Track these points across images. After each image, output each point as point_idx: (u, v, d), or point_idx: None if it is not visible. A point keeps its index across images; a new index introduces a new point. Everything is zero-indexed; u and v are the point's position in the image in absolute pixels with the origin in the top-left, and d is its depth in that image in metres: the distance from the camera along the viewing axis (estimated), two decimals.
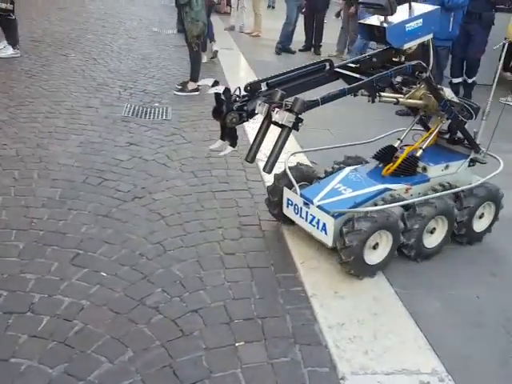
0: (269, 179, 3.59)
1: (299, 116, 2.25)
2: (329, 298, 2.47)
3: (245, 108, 2.33)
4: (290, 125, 2.24)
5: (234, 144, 2.46)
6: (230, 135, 2.42)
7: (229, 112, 2.28)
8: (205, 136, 4.40)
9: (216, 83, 2.31)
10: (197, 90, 5.65)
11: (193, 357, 2.05)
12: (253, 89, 2.39)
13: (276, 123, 2.29)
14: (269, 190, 3.01)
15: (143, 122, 4.62)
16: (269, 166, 2.33)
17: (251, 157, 2.42)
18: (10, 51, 6.14)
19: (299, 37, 8.98)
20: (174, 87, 5.69)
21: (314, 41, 9.05)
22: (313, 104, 2.33)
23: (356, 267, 2.54)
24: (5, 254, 2.55)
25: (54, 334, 2.10)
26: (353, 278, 2.61)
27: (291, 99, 2.32)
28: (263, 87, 2.44)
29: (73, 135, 4.10)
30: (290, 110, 2.24)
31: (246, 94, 2.37)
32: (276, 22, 9.08)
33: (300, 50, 8.94)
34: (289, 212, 2.88)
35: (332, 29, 9.06)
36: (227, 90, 2.27)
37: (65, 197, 3.17)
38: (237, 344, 2.14)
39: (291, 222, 2.97)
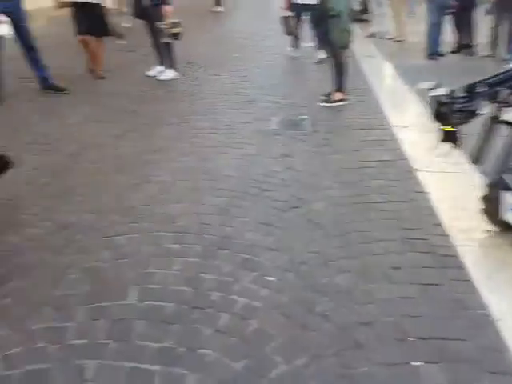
0: (430, 190, 3.47)
1: None
2: None
3: (468, 108, 2.35)
4: None
5: (458, 144, 2.48)
6: (452, 137, 2.46)
7: (452, 114, 2.33)
8: (355, 146, 4.41)
9: (437, 86, 2.38)
10: (342, 100, 5.70)
11: (368, 370, 2.05)
12: (473, 89, 2.40)
13: (506, 122, 2.29)
14: (482, 198, 2.86)
15: (293, 134, 4.77)
16: (501, 169, 2.35)
17: (479, 159, 2.44)
18: (171, 74, 6.78)
19: (449, 38, 8.48)
20: (319, 99, 5.80)
21: (465, 41, 8.47)
22: None
23: None
24: (186, 254, 2.84)
25: (233, 330, 2.27)
26: None
27: None
28: (483, 88, 2.43)
29: (232, 149, 4.40)
30: None
31: (464, 94, 2.40)
32: (419, 26, 8.72)
33: (452, 52, 8.43)
34: (510, 217, 2.71)
35: (484, 28, 8.41)
36: (452, 91, 2.32)
37: (230, 205, 3.41)
38: (414, 363, 2.07)
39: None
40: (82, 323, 2.31)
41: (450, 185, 3.47)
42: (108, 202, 3.39)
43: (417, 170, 3.76)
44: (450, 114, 2.32)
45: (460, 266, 2.69)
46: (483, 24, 8.34)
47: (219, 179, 3.80)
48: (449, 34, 8.45)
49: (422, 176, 3.69)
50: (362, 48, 8.82)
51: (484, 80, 2.42)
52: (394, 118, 5.01)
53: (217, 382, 2.00)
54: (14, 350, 2.15)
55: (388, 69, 7.44)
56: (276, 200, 3.50)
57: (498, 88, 2.34)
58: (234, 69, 7.51)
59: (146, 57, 7.29)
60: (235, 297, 2.50)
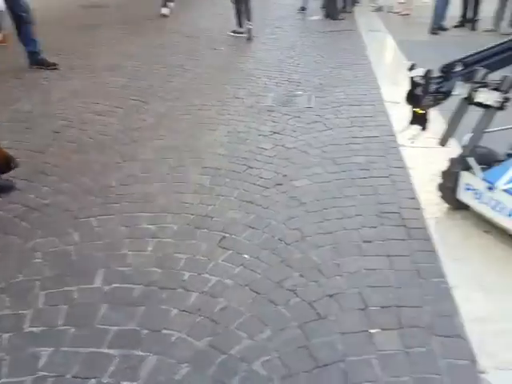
0: (412, 165, 3.44)
1: (507, 95, 2.14)
2: (472, 290, 2.33)
3: (441, 90, 2.29)
4: (497, 105, 2.16)
5: (425, 127, 2.42)
6: (421, 119, 2.40)
7: (426, 95, 2.25)
8: (346, 122, 4.35)
9: (413, 66, 2.30)
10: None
11: (328, 339, 2.09)
12: (449, 69, 2.32)
13: (478, 104, 2.23)
14: (443, 175, 2.88)
15: (286, 110, 4.71)
16: (469, 150, 2.32)
17: (445, 140, 2.40)
18: None
19: (454, 12, 8.26)
20: (317, 74, 5.71)
21: (469, 15, 8.25)
22: None
23: None
24: (161, 235, 2.83)
25: (201, 309, 2.28)
26: (499, 272, 2.43)
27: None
28: (459, 67, 2.36)
29: (222, 125, 4.36)
30: (496, 89, 2.16)
31: (440, 75, 2.33)
32: None
33: (455, 27, 8.23)
34: (466, 197, 2.76)
35: (489, 2, 8.15)
36: (429, 71, 2.23)
37: (213, 183, 3.39)
38: (372, 331, 2.12)
39: (464, 208, 2.85)
40: (42, 310, 2.28)
41: (432, 160, 3.40)
42: (84, 182, 3.36)
43: (402, 145, 3.68)
44: (422, 96, 2.24)
45: (427, 238, 2.73)
46: None
47: (205, 157, 3.77)
48: (454, 9, 8.22)
49: (406, 152, 3.65)
50: (367, 22, 8.66)
51: (461, 59, 2.34)
52: (388, 94, 4.91)
53: (177, 362, 2.01)
54: None
55: (391, 43, 7.29)
56: (261, 177, 3.47)
57: (474, 67, 2.26)
58: (234, 42, 7.41)
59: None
60: (207, 275, 2.50)
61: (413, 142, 2.57)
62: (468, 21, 8.28)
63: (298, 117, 4.54)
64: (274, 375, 1.94)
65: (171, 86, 5.31)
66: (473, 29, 8.17)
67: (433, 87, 2.24)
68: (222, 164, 3.66)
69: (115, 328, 2.17)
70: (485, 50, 2.39)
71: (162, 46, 6.86)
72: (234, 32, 7.79)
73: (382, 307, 2.25)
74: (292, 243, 2.73)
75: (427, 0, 8.82)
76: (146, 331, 2.16)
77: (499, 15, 7.93)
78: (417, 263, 2.53)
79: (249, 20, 7.71)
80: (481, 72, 2.19)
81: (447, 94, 2.28)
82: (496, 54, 2.40)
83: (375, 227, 2.83)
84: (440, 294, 2.33)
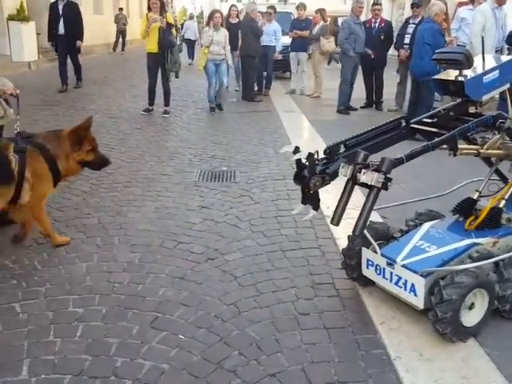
0: (339, 235, 3.58)
1: (388, 175, 2.23)
2: (414, 360, 2.35)
3: (327, 171, 2.36)
4: (380, 185, 2.22)
5: (316, 207, 2.46)
6: (312, 199, 2.43)
7: (312, 176, 2.31)
8: (272, 196, 4.50)
9: (297, 149, 2.35)
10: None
11: None
12: (332, 151, 2.43)
13: (363, 184, 2.29)
14: (344, 253, 2.93)
15: (213, 185, 4.80)
16: (359, 229, 2.30)
17: (337, 220, 2.40)
18: None
19: (360, 94, 9.10)
20: (240, 151, 5.93)
21: (374, 97, 9.13)
22: (398, 162, 2.31)
23: (451, 326, 2.37)
24: (89, 318, 2.67)
25: None
26: (438, 340, 2.47)
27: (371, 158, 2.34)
28: (342, 149, 2.48)
29: (149, 202, 4.33)
30: (377, 170, 2.24)
31: (325, 156, 2.42)
32: (335, 83, 9.30)
33: (362, 107, 9.04)
34: (369, 273, 2.78)
35: (393, 85, 9.13)
36: (311, 154, 2.31)
37: (143, 261, 3.30)
38: None
39: (372, 283, 2.87)
40: None
41: None
42: (4, 265, 3.13)
43: (328, 216, 3.85)
44: (309, 177, 2.31)
45: (362, 308, 2.78)
46: (390, 81, 9.08)
47: (134, 234, 3.69)
48: (359, 91, 9.07)
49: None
50: (282, 103, 9.30)
51: (343, 141, 2.47)
52: None
53: None
54: None
55: (305, 123, 7.83)
56: (192, 252, 3.44)
57: (355, 149, 2.40)
58: (158, 122, 7.56)
59: None
60: (141, 360, 2.37)
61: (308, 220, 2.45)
62: (374, 102, 9.12)
63: (225, 191, 4.63)
64: None
65: None
66: (378, 109, 8.99)
67: (318, 168, 2.32)
68: (152, 240, 3.59)
69: None
70: (365, 133, 2.55)
71: None
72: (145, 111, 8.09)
73: None
74: (229, 320, 2.68)
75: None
76: None
77: (399, 97, 8.81)
78: (356, 335, 2.55)
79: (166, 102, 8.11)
80: (361, 154, 2.31)
81: (333, 175, 2.36)
82: (375, 137, 2.57)
83: (311, 299, 2.86)
84: (382, 366, 2.33)
